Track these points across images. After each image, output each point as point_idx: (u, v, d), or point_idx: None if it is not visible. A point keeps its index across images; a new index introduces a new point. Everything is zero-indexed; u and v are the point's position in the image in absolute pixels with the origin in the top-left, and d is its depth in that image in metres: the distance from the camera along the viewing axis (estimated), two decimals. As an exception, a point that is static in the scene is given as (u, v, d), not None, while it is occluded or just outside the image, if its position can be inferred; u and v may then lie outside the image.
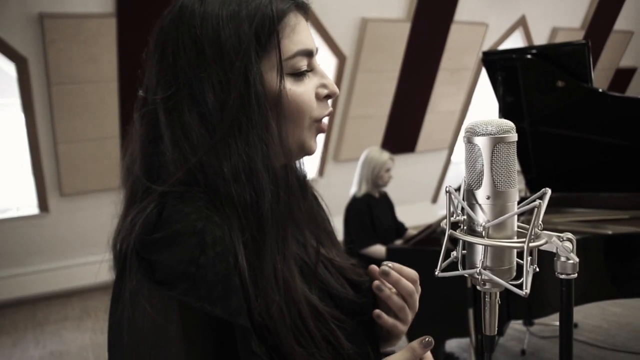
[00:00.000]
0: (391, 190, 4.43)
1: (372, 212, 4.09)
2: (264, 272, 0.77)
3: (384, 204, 4.29)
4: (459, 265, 0.78)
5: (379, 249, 3.94)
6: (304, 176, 0.98)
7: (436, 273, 0.76)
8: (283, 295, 0.78)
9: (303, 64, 0.85)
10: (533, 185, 3.77)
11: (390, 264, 0.97)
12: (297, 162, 0.94)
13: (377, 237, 4.04)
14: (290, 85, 0.84)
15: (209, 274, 0.72)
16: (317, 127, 0.89)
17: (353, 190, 4.18)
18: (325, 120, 0.91)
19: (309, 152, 0.90)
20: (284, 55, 0.83)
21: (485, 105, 8.17)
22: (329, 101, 0.91)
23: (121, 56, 5.20)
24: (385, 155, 4.16)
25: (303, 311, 0.80)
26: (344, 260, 1.00)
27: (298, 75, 0.85)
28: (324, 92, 0.88)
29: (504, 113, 3.57)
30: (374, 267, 0.97)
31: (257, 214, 0.78)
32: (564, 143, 3.58)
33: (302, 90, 0.85)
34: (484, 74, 5.57)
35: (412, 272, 0.98)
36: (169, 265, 0.72)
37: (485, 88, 7.02)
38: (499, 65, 3.50)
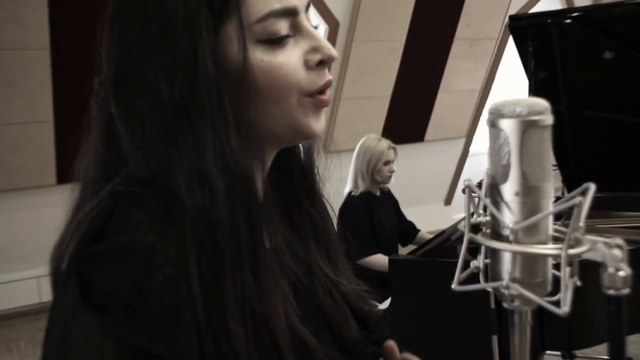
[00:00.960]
0: (394, 189, 4.44)
1: (372, 213, 4.09)
2: (222, 298, 0.77)
3: (386, 203, 4.30)
4: (481, 277, 0.78)
5: (380, 260, 3.94)
6: (312, 172, 0.99)
7: (452, 286, 0.77)
8: (250, 327, 0.78)
9: (281, 26, 0.84)
10: (572, 183, 3.79)
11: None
12: (301, 151, 0.94)
13: (378, 244, 4.04)
14: (263, 56, 0.83)
15: (153, 302, 0.72)
16: (312, 102, 0.88)
17: (347, 187, 4.19)
18: (327, 92, 0.89)
19: (309, 135, 0.90)
20: (251, 18, 0.82)
21: (512, 84, 8.19)
22: (326, 69, 0.90)
23: (53, 20, 5.17)
24: (384, 144, 4.16)
25: (282, 345, 0.80)
26: (350, 284, 1.00)
27: (275, 42, 0.84)
28: (316, 57, 0.87)
29: (535, 93, 3.58)
30: (391, 346, 0.97)
31: (211, 227, 0.78)
32: (612, 131, 3.60)
33: (282, 61, 0.84)
34: (511, 44, 5.57)
35: None
36: (109, 286, 0.72)
37: (512, 62, 7.04)
38: (530, 33, 3.50)
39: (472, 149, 8.34)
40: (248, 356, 0.77)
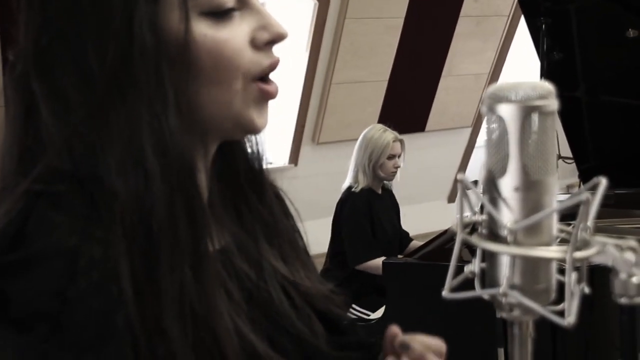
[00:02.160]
0: (393, 185, 4.45)
1: (372, 213, 4.10)
2: (158, 297, 0.76)
3: (388, 204, 4.31)
4: (477, 283, 0.78)
5: (380, 264, 3.92)
6: (259, 164, 0.98)
7: (443, 293, 0.77)
8: (190, 328, 0.78)
9: None
10: (590, 177, 3.78)
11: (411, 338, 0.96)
12: (248, 142, 0.94)
13: (379, 247, 4.04)
14: (206, 30, 0.83)
15: (79, 311, 0.71)
16: (258, 89, 0.88)
17: (347, 182, 4.19)
18: (272, 82, 0.90)
19: (250, 129, 0.90)
20: None
21: (525, 66, 8.21)
22: (272, 49, 0.90)
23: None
24: (389, 135, 4.17)
25: (227, 350, 0.80)
26: (315, 285, 1.00)
27: (219, 15, 0.85)
28: (264, 36, 0.88)
29: (548, 76, 3.58)
30: (394, 332, 0.97)
31: (145, 216, 0.77)
32: (635, 119, 3.61)
33: (226, 37, 0.85)
34: (523, 22, 5.58)
35: (440, 345, 0.98)
36: (27, 298, 0.71)
37: (525, 42, 7.05)
38: (544, 9, 3.51)
39: (479, 140, 8.36)
40: (185, 358, 0.76)
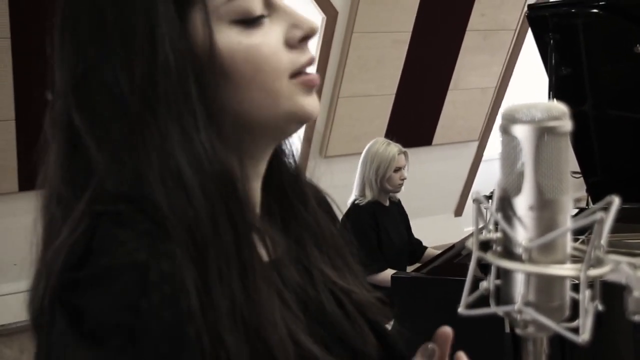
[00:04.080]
0: (399, 197, 4.45)
1: (378, 226, 4.10)
2: (214, 308, 0.78)
3: (396, 215, 4.32)
4: (491, 301, 0.79)
5: (388, 277, 3.91)
6: (299, 173, 1.01)
7: (459, 309, 0.77)
8: (243, 338, 0.79)
9: (254, 5, 0.86)
10: (598, 191, 3.80)
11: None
12: (284, 149, 0.97)
13: (386, 260, 4.04)
14: (239, 37, 0.85)
15: (153, 324, 0.72)
16: (300, 82, 0.89)
17: (353, 195, 4.20)
18: (310, 70, 0.91)
19: (304, 117, 0.91)
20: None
21: (532, 81, 8.20)
22: (307, 46, 0.92)
23: (14, 4, 5.17)
24: (394, 148, 4.19)
25: (279, 357, 0.81)
26: (365, 294, 1.01)
27: (250, 22, 0.86)
28: (297, 34, 0.90)
29: (557, 91, 3.59)
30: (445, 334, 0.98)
31: (191, 231, 0.79)
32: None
33: (260, 41, 0.86)
34: (530, 36, 5.58)
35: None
36: (101, 312, 0.72)
37: (532, 57, 7.05)
38: (552, 24, 3.52)
39: (485, 153, 8.34)
40: None
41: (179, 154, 0.80)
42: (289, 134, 0.97)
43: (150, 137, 0.80)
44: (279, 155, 1.03)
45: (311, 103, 0.91)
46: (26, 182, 5.35)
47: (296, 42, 0.90)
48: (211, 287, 0.78)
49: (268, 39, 0.87)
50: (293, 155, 1.04)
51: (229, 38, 0.85)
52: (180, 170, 0.80)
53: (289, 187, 1.03)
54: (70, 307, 0.73)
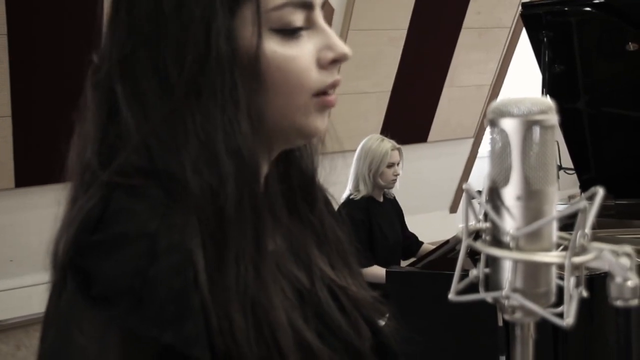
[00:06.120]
0: (394, 194, 4.47)
1: (371, 220, 4.12)
2: (225, 286, 0.81)
3: (390, 211, 4.33)
4: (480, 287, 0.81)
5: (377, 272, 3.95)
6: (312, 175, 1.04)
7: (449, 296, 0.80)
8: (250, 318, 0.82)
9: (296, 18, 0.90)
10: (590, 187, 3.79)
11: None
12: (301, 153, 1.00)
13: (377, 255, 4.06)
14: (276, 47, 0.88)
15: (160, 289, 0.76)
16: (320, 102, 0.93)
17: (347, 191, 4.22)
18: (333, 93, 0.94)
19: (312, 133, 0.95)
20: (268, 4, 0.87)
21: (527, 78, 8.21)
22: (336, 68, 0.95)
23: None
24: (387, 144, 4.20)
25: (283, 342, 0.84)
26: (361, 292, 1.04)
27: (289, 33, 0.89)
28: (329, 55, 0.92)
29: (550, 88, 3.60)
30: None
31: (217, 211, 0.82)
32: (636, 130, 3.63)
33: (295, 54, 0.90)
34: (525, 34, 5.61)
35: None
36: (110, 276, 0.76)
37: (527, 54, 7.07)
38: (545, 22, 3.53)
39: (480, 150, 8.34)
40: (249, 348, 0.80)
41: (218, 140, 0.84)
42: (293, 145, 1.01)
43: (192, 120, 0.84)
44: (293, 155, 1.06)
45: (323, 122, 0.95)
46: (22, 179, 5.35)
47: (327, 64, 0.93)
48: (227, 265, 0.82)
49: (302, 53, 0.90)
50: (310, 157, 1.07)
51: (266, 45, 0.88)
52: (218, 155, 0.84)
53: (299, 187, 1.06)
54: (80, 270, 0.77)
